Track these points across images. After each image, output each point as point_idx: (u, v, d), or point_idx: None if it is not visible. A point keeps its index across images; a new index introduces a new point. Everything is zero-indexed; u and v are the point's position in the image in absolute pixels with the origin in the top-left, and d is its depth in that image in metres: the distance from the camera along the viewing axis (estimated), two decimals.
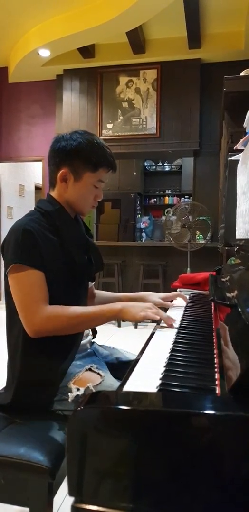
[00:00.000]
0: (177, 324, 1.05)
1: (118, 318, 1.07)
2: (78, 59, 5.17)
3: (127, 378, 0.65)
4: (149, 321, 1.06)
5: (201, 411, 0.45)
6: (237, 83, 2.79)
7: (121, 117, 5.26)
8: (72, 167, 1.13)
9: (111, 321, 1.08)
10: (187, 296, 1.48)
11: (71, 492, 0.48)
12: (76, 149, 1.12)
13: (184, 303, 1.35)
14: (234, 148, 1.72)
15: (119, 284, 5.05)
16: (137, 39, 4.73)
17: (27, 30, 4.86)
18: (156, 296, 1.32)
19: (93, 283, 1.38)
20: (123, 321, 1.10)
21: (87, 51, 5.01)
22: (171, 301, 1.35)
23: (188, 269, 4.34)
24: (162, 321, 1.06)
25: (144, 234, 6.40)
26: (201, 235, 4.77)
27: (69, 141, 1.13)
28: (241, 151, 1.56)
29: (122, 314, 1.04)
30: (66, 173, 1.14)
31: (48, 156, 1.18)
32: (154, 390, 0.59)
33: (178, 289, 1.70)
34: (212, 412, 0.45)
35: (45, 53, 4.94)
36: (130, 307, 1.04)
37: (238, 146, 1.60)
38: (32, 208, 1.19)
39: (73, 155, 1.12)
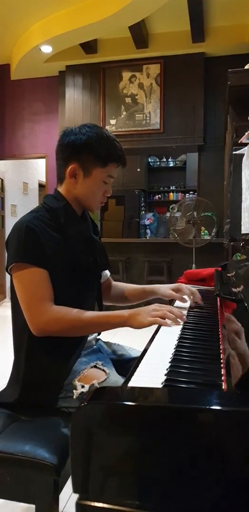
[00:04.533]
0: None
1: (126, 326, 1.02)
2: (80, 55, 5.15)
3: (132, 374, 0.64)
4: None
5: (208, 407, 0.44)
6: (241, 77, 2.76)
7: (124, 113, 5.24)
8: (82, 162, 1.10)
9: (119, 327, 1.04)
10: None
11: (75, 489, 0.48)
12: (85, 144, 1.09)
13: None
14: (239, 142, 1.70)
15: (124, 281, 5.04)
16: (139, 34, 4.70)
17: (29, 27, 4.84)
18: (166, 288, 1.28)
19: (108, 274, 1.36)
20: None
21: (89, 47, 4.99)
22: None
23: (193, 265, 4.32)
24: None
25: (148, 231, 6.37)
26: (206, 231, 4.75)
27: (78, 135, 1.10)
28: (246, 145, 1.54)
29: (129, 322, 1.00)
30: (76, 169, 1.11)
31: (56, 150, 1.15)
32: (159, 386, 0.58)
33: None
34: (218, 407, 0.44)
35: (47, 49, 4.93)
36: (137, 315, 1.00)
37: (243, 139, 1.58)
38: (37, 205, 1.18)
39: (82, 149, 1.09)
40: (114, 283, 1.40)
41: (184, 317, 1.02)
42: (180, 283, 1.30)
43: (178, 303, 1.27)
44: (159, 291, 1.29)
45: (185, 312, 1.13)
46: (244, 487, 0.43)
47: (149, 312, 1.00)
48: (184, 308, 1.20)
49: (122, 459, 0.47)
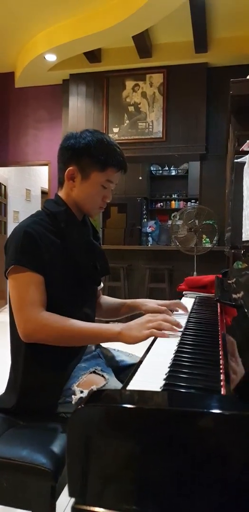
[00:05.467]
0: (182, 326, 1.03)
1: (118, 341, 0.98)
2: (84, 63, 5.20)
3: (130, 379, 0.63)
4: None
5: (207, 410, 0.44)
6: (243, 86, 2.77)
7: (127, 121, 5.27)
8: (80, 165, 1.11)
9: (110, 342, 1.01)
10: (192, 300, 1.46)
11: (71, 493, 0.47)
12: (84, 147, 1.09)
13: (190, 304, 1.33)
14: (240, 149, 1.71)
15: (125, 288, 5.03)
16: (143, 43, 4.75)
17: (33, 35, 4.90)
18: (152, 303, 1.24)
19: (101, 286, 1.35)
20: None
21: (93, 56, 5.04)
22: (171, 311, 1.23)
23: (195, 273, 4.31)
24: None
25: (150, 239, 6.38)
26: (207, 239, 4.74)
27: (79, 139, 1.11)
28: (247, 153, 1.55)
29: (121, 337, 0.97)
30: (74, 171, 1.11)
31: (58, 153, 1.16)
32: (158, 390, 0.58)
33: (183, 292, 1.69)
34: (218, 411, 0.43)
35: (51, 57, 4.98)
36: (129, 329, 0.96)
37: (245, 147, 1.58)
38: (37, 210, 1.18)
39: (81, 153, 1.10)
40: (102, 296, 1.37)
41: (180, 324, 0.99)
42: (174, 301, 1.27)
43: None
44: (143, 306, 1.25)
45: (185, 316, 1.13)
46: (244, 492, 0.42)
47: (142, 324, 0.97)
48: (183, 315, 1.19)
49: (120, 463, 0.46)
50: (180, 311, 1.24)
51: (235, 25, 4.49)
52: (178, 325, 0.98)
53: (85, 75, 5.37)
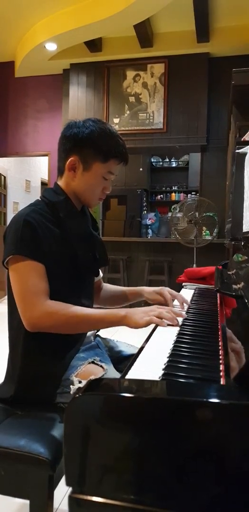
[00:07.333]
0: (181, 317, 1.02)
1: (122, 325, 0.99)
2: (85, 53, 5.14)
3: (129, 369, 0.63)
4: None
5: (206, 400, 0.43)
6: (245, 76, 2.74)
7: (128, 112, 5.23)
8: (82, 155, 1.09)
9: (114, 326, 1.02)
10: (191, 292, 1.46)
11: (68, 482, 0.47)
12: (87, 137, 1.07)
13: (189, 295, 1.33)
14: (242, 139, 1.68)
15: (124, 280, 5.03)
16: (144, 33, 4.69)
17: (34, 24, 4.84)
18: (150, 290, 1.28)
19: (101, 276, 1.35)
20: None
21: (94, 45, 4.99)
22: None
23: (194, 265, 4.31)
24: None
25: (150, 231, 6.35)
26: (207, 231, 4.73)
27: (82, 129, 1.09)
28: (248, 143, 1.53)
29: (125, 321, 0.97)
30: (75, 162, 1.10)
31: (59, 142, 1.14)
32: (157, 379, 0.57)
33: (183, 283, 1.68)
34: (217, 400, 0.43)
35: (52, 46, 4.92)
36: (133, 314, 0.97)
37: (246, 137, 1.56)
38: (36, 199, 1.17)
39: (84, 143, 1.08)
40: (104, 284, 1.39)
41: (184, 312, 1.00)
42: (162, 287, 1.27)
43: (176, 302, 1.26)
44: (144, 293, 1.29)
45: (185, 308, 1.13)
46: (243, 481, 0.42)
47: (146, 312, 0.98)
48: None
49: (118, 452, 0.46)
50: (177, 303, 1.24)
51: (237, 14, 4.43)
52: (181, 315, 0.99)
53: (86, 65, 5.32)
